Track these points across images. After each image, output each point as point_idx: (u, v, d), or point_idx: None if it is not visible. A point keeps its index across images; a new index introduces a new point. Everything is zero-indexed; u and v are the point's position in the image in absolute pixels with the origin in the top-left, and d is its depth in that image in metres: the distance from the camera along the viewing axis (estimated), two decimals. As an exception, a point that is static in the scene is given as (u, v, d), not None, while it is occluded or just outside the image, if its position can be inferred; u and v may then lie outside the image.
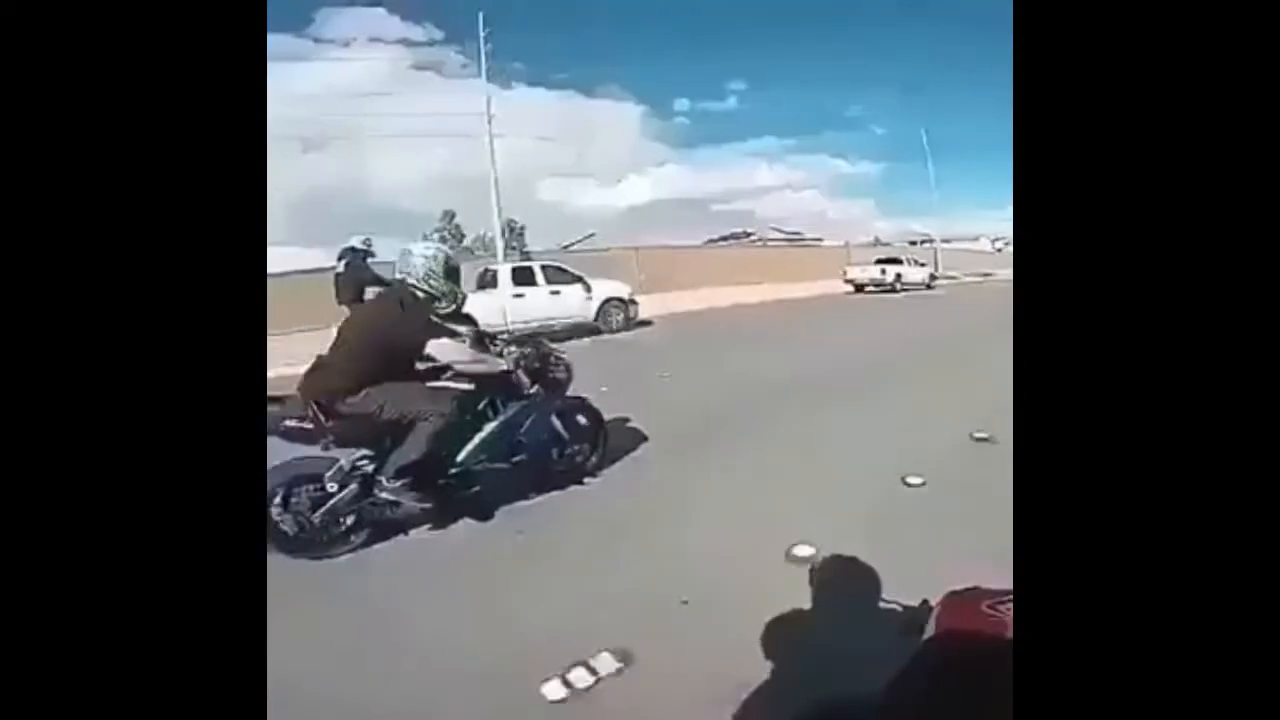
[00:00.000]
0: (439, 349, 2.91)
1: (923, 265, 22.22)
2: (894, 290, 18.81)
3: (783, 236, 38.73)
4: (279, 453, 2.72)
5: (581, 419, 3.53)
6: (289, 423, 2.70)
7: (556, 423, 3.39)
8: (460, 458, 2.98)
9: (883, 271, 19.36)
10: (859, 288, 19.08)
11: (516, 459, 3.18)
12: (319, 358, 2.90)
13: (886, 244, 30.21)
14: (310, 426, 2.71)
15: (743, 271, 22.41)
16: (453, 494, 2.99)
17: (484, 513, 3.08)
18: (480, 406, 3.06)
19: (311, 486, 2.75)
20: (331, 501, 2.76)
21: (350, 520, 2.82)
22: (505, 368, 3.10)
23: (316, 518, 2.74)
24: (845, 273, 19.83)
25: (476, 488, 3.06)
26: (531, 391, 3.18)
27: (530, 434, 3.24)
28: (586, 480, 3.48)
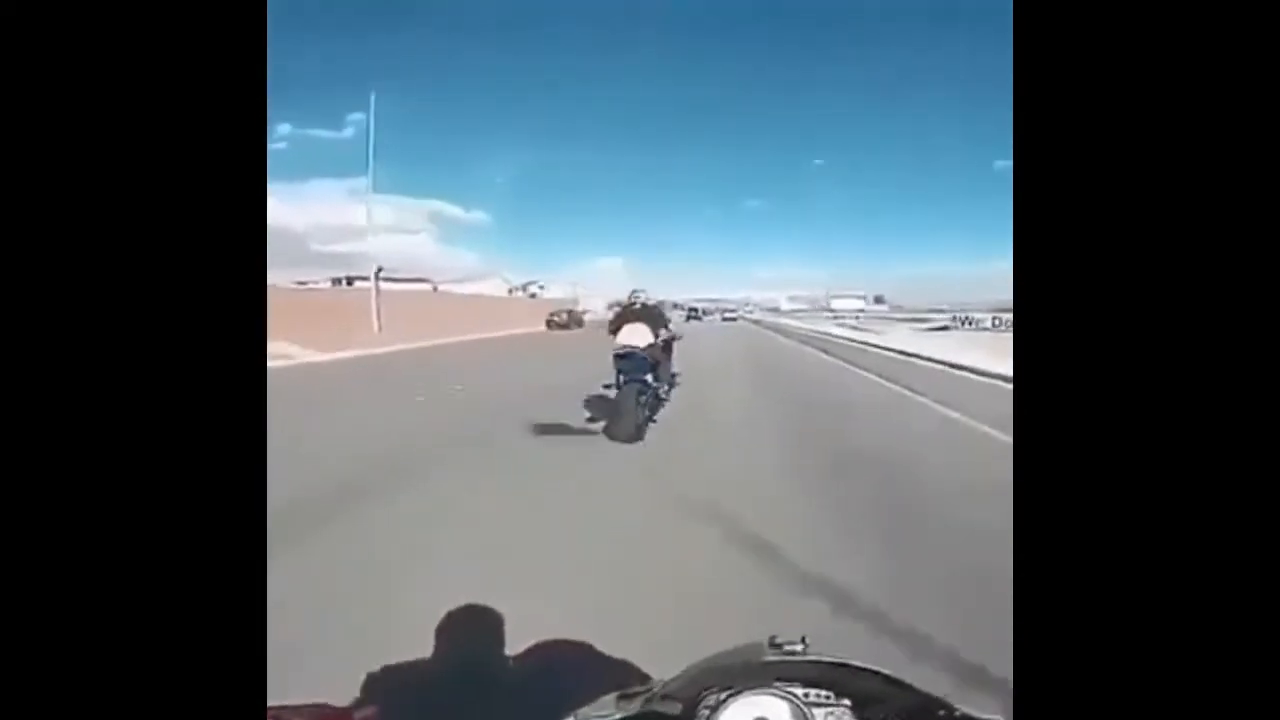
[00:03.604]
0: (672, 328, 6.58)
1: None
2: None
3: None
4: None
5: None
6: (641, 351, 5.89)
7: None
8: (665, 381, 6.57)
9: None
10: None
11: (672, 387, 6.89)
12: (620, 317, 6.23)
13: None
14: (649, 359, 5.97)
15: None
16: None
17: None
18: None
19: (638, 393, 5.90)
20: (649, 397, 6.02)
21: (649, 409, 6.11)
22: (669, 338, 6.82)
23: (645, 403, 5.96)
24: None
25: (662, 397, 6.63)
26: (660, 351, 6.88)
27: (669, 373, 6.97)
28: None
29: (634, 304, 6.41)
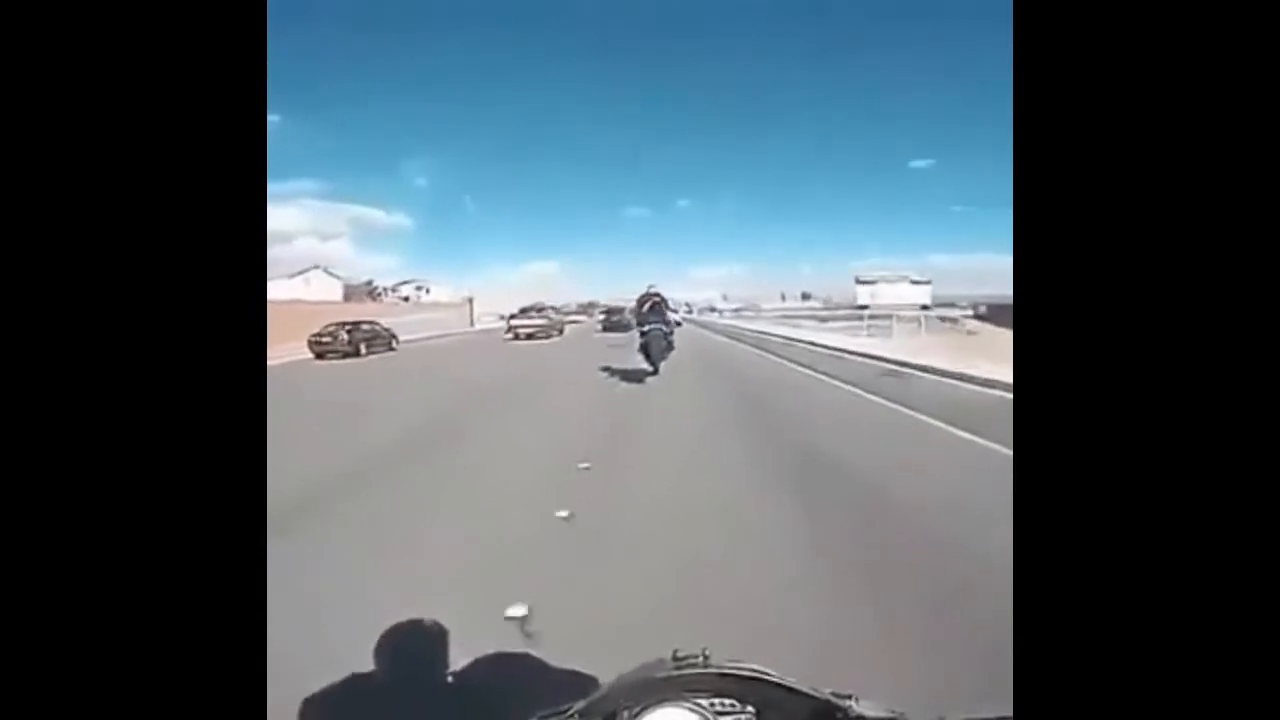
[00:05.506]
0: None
1: None
2: None
3: None
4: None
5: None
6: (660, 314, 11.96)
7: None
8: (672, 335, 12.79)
9: None
10: None
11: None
12: (642, 299, 12.44)
13: None
14: (664, 319, 12.19)
15: None
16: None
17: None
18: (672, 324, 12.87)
19: (662, 334, 12.06)
20: (670, 337, 12.22)
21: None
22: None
23: (665, 342, 12.17)
24: None
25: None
26: (672, 323, 13.02)
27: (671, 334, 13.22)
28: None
29: (652, 292, 12.41)
